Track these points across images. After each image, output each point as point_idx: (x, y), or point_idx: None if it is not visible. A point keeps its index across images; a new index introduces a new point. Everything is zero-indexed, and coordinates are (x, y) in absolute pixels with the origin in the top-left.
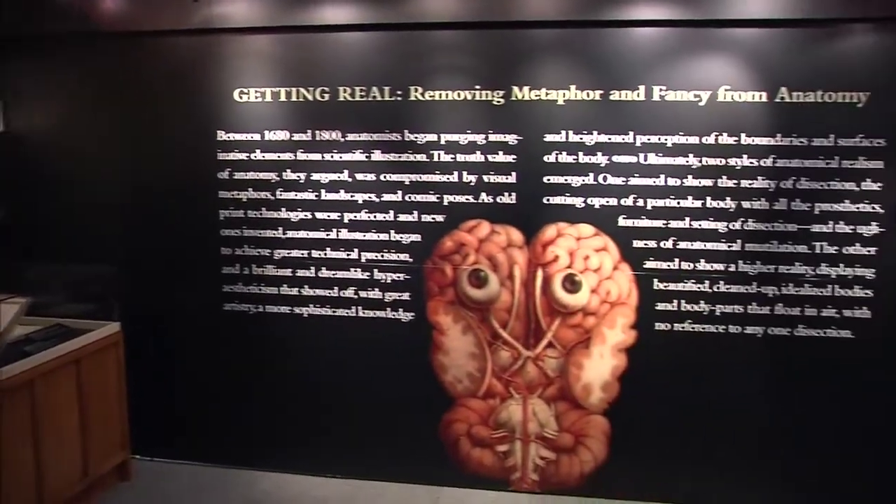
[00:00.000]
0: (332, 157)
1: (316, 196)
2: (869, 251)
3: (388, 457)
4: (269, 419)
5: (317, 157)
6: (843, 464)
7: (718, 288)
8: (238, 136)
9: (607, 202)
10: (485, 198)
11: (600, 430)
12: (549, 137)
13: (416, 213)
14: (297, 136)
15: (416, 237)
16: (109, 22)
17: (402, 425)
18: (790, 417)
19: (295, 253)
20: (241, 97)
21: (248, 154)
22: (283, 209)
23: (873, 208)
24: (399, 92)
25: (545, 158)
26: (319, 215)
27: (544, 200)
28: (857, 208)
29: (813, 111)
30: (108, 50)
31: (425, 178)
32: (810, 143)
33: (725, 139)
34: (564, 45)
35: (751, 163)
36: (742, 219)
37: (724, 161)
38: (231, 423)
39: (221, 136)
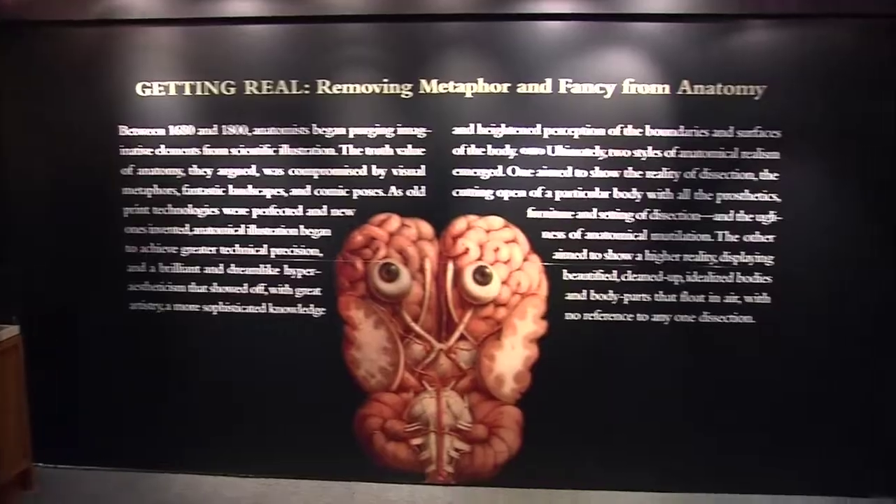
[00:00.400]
0: (239, 151)
1: (223, 192)
2: (768, 239)
3: (301, 454)
4: (180, 420)
5: (223, 151)
6: (746, 445)
7: (626, 277)
8: (141, 132)
9: (516, 194)
10: (394, 191)
11: (513, 421)
12: (457, 130)
13: (325, 207)
14: (202, 131)
15: (325, 232)
16: (6, 10)
17: (315, 422)
18: (696, 402)
19: (203, 250)
20: (143, 91)
21: (152, 149)
22: (190, 205)
23: (771, 197)
24: (307, 85)
25: (454, 151)
26: (227, 211)
27: (454, 193)
28: (756, 197)
29: (713, 103)
30: (6, 40)
31: (334, 172)
32: (711, 135)
33: (630, 131)
34: (472, 38)
35: (655, 154)
36: (648, 209)
37: (629, 153)
38: (140, 426)
39: (124, 131)
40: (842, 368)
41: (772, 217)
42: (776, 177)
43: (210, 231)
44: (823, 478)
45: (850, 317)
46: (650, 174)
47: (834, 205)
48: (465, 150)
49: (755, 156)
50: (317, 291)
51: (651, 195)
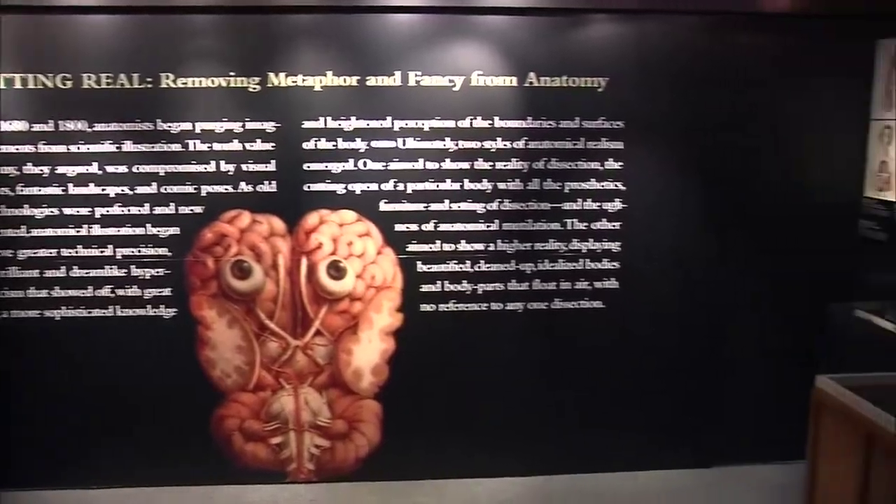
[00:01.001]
0: (78, 148)
1: (63, 191)
2: (614, 226)
3: (158, 461)
4: (25, 435)
5: (61, 149)
6: (600, 426)
7: (479, 267)
8: None
9: (368, 187)
10: (244, 187)
11: (373, 414)
12: (307, 124)
13: (173, 205)
14: (37, 127)
15: (174, 230)
16: None
17: (171, 426)
18: (551, 386)
19: (42, 252)
20: None
21: None
22: (26, 206)
23: (616, 186)
24: (149, 79)
25: (304, 146)
26: (67, 211)
27: (305, 188)
28: (602, 186)
29: (559, 95)
30: None
31: (181, 168)
32: (558, 126)
33: (480, 122)
34: (320, 30)
35: (504, 145)
36: (499, 199)
37: (479, 144)
38: None
39: None
40: (686, 346)
41: (617, 205)
42: (620, 166)
43: (49, 232)
44: (671, 452)
45: (694, 296)
46: (500, 165)
47: (674, 192)
48: (316, 144)
49: (600, 146)
50: (167, 292)
51: (501, 185)
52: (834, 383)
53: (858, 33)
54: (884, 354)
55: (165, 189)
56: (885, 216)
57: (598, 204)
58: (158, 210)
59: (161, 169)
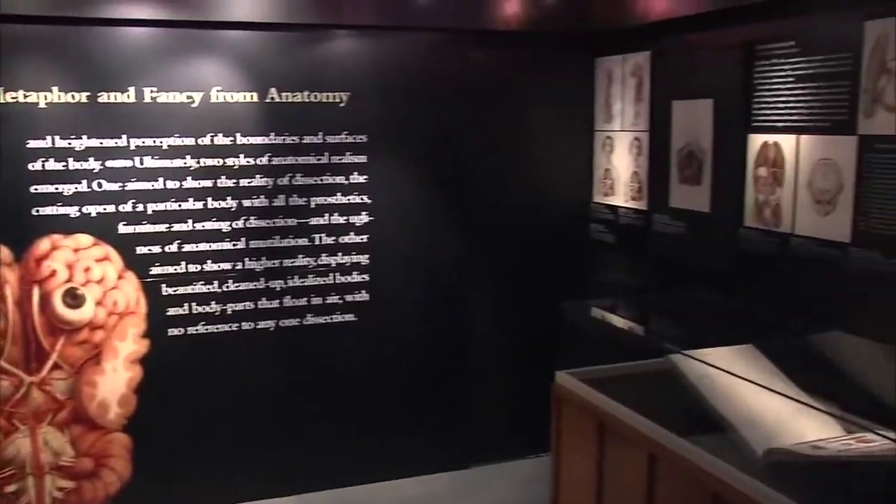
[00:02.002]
0: None
1: None
2: (362, 239)
3: None
4: None
5: None
6: (361, 437)
7: (228, 287)
8: None
9: (105, 209)
10: None
11: (122, 448)
12: (32, 143)
13: None
14: None
15: None
16: None
17: None
18: (309, 402)
19: None
20: None
21: None
22: None
23: (362, 199)
24: None
25: (30, 166)
26: None
27: (33, 212)
28: (349, 200)
29: (302, 110)
30: None
31: None
32: (301, 141)
33: (221, 139)
34: (43, 43)
35: (248, 162)
36: (244, 217)
37: (221, 161)
38: None
39: None
40: (437, 352)
41: (364, 218)
42: (365, 179)
43: None
44: (430, 458)
45: (442, 303)
46: (244, 182)
47: (419, 203)
48: (43, 165)
49: (345, 160)
50: None
51: (247, 203)
52: (571, 377)
53: (581, 51)
54: (616, 347)
55: None
56: (611, 219)
57: (344, 218)
58: None
59: None
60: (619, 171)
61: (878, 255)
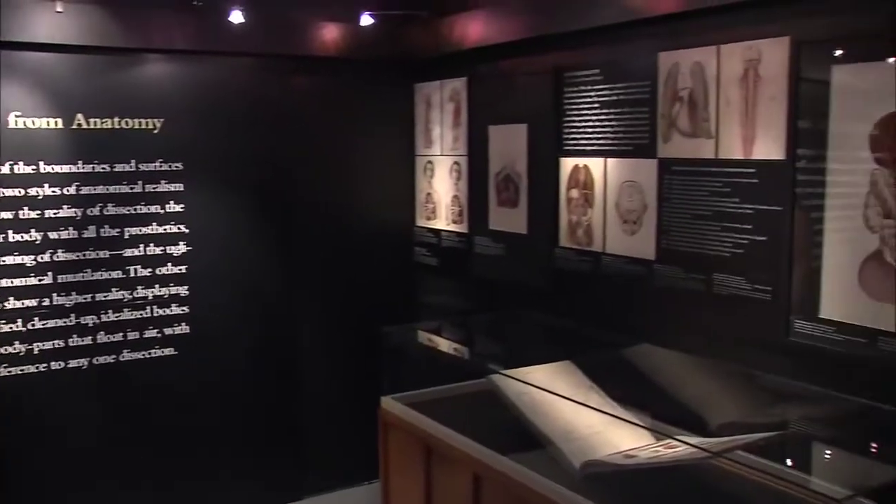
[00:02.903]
0: None
1: None
2: (181, 269)
3: None
4: None
5: None
6: (186, 478)
7: (34, 325)
8: None
9: None
10: None
11: None
12: None
13: None
14: None
15: None
16: None
17: None
18: (128, 444)
19: None
20: None
21: None
22: None
23: (179, 229)
24: None
25: None
26: None
27: None
28: (165, 230)
29: (112, 137)
30: None
31: None
32: (113, 170)
33: (22, 168)
34: None
35: (53, 192)
36: (51, 250)
37: (23, 191)
38: None
39: None
40: (263, 383)
41: (182, 248)
42: (182, 208)
43: None
44: (261, 492)
45: (265, 332)
46: (50, 213)
47: (239, 231)
48: None
49: (160, 188)
50: None
51: (53, 235)
52: (395, 402)
53: (401, 76)
54: (442, 369)
55: None
56: (434, 242)
57: (161, 248)
58: None
59: None
60: (441, 194)
61: (680, 271)
